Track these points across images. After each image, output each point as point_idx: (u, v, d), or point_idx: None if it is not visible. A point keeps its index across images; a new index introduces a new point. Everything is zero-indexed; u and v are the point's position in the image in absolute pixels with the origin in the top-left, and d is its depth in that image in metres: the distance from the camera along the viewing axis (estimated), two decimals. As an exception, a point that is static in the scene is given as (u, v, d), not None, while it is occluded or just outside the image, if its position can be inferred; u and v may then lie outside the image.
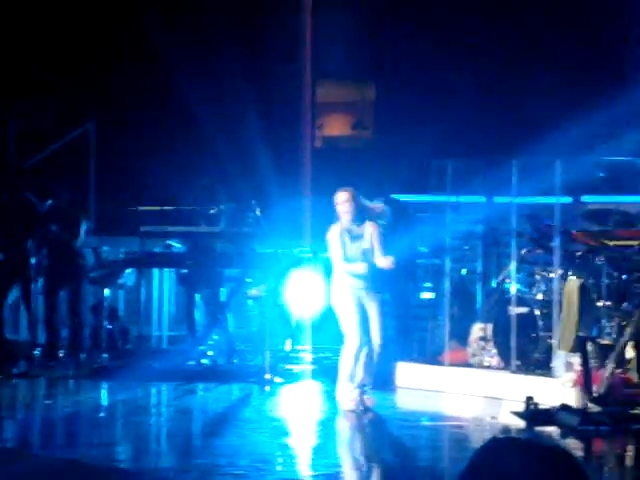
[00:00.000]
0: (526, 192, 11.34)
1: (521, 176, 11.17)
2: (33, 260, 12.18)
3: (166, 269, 12.99)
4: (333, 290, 9.56)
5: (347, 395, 9.33)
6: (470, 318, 11.46)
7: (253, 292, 12.13)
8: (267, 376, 11.25)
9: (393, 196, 12.14)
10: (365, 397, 9.39)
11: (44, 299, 12.16)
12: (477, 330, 11.08)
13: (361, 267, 9.35)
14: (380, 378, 10.67)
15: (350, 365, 9.32)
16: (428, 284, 12.04)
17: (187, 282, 12.41)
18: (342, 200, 9.49)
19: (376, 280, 9.44)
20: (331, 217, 12.53)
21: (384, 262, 9.37)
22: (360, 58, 15.46)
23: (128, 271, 12.71)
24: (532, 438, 2.31)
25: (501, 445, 2.30)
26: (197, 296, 12.39)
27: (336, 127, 16.03)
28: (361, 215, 9.49)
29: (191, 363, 11.90)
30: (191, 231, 12.11)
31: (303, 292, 12.12)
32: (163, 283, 13.16)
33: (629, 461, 7.95)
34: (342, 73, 15.56)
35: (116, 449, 8.23)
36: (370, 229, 9.49)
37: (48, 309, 12.10)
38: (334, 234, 9.46)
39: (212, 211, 12.23)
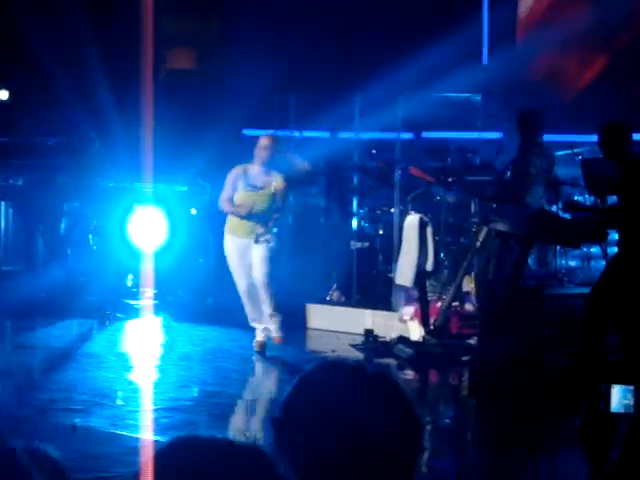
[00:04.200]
0: (369, 128, 11.46)
1: (364, 112, 11.27)
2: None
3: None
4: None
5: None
6: (312, 253, 11.56)
7: (94, 226, 11.94)
8: (107, 311, 11.12)
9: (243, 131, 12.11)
10: (274, 336, 9.28)
11: None
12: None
13: (242, 208, 9.05)
14: (219, 314, 10.74)
15: (247, 308, 9.28)
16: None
17: (25, 215, 12.13)
18: (262, 145, 9.16)
19: (266, 226, 9.03)
20: (172, 152, 12.43)
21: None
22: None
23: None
24: (360, 362, 2.36)
25: (328, 366, 2.33)
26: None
27: (180, 60, 15.80)
28: (276, 166, 9.16)
29: (29, 298, 11.65)
30: (26, 163, 11.80)
31: (145, 227, 11.99)
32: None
33: (461, 390, 8.18)
34: (186, 6, 15.31)
35: None
36: (276, 183, 9.12)
37: None
38: (231, 174, 9.20)
39: (50, 143, 11.96)
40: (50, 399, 7.33)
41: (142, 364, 9.11)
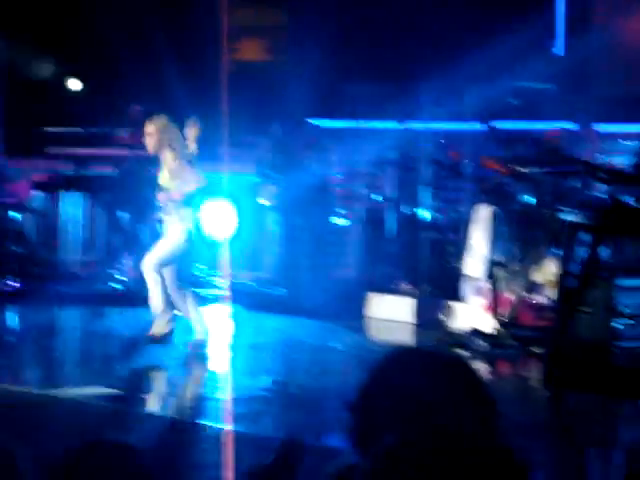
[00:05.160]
0: (438, 118, 11.39)
1: (433, 102, 11.21)
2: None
3: (78, 192, 12.79)
4: None
5: None
6: (382, 244, 11.53)
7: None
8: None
9: (308, 120, 12.10)
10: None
11: None
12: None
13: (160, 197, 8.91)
14: (291, 304, 10.76)
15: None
16: (341, 210, 12.05)
17: (108, 206, 12.27)
18: (146, 131, 8.74)
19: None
20: (245, 142, 12.48)
21: (161, 197, 8.87)
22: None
23: (37, 194, 12.51)
24: (434, 350, 2.36)
25: (404, 354, 2.33)
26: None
27: (250, 52, 15.87)
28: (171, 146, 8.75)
29: (103, 287, 11.79)
30: (100, 155, 11.93)
31: (216, 217, 12.06)
32: (76, 207, 12.95)
33: (533, 382, 8.12)
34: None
35: (27, 372, 8.18)
36: (165, 156, 8.73)
37: None
38: None
39: (122, 134, 12.08)
40: (124, 388, 7.41)
41: (213, 353, 9.17)
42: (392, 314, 10.56)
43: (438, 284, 10.68)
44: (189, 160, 8.73)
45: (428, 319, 10.08)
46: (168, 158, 8.68)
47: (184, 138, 8.76)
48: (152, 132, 8.64)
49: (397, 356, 2.31)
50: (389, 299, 10.77)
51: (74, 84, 13.92)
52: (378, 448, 2.09)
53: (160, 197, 8.81)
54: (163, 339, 8.72)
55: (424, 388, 2.22)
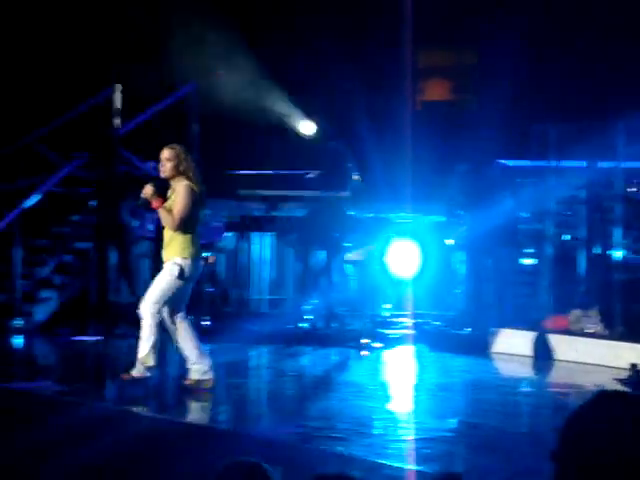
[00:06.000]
0: (630, 157, 11.13)
1: (625, 140, 10.95)
2: (135, 224, 12.36)
3: (266, 233, 13.05)
4: None
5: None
6: (571, 284, 11.30)
7: (353, 256, 12.11)
8: (365, 340, 11.26)
9: (497, 160, 12.02)
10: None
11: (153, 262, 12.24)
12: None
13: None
14: (477, 344, 10.65)
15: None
16: (529, 250, 11.88)
17: (298, 245, 12.46)
18: (163, 157, 8.34)
19: (167, 248, 8.36)
20: (431, 182, 12.47)
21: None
22: (460, 22, 15.27)
23: (228, 235, 12.81)
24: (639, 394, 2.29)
25: (609, 396, 2.26)
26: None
27: (436, 92, 15.89)
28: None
29: (291, 326, 11.96)
30: (292, 195, 12.14)
31: (402, 257, 12.09)
32: (265, 247, 13.22)
33: None
34: (442, 38, 15.38)
35: (217, 410, 8.32)
36: (178, 188, 8.30)
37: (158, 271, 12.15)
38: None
39: (309, 175, 12.26)
40: (312, 426, 7.45)
41: (400, 394, 9.14)
42: (583, 356, 10.32)
43: (631, 326, 10.39)
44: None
45: (620, 362, 9.79)
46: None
47: None
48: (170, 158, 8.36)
49: (600, 399, 2.24)
50: (580, 341, 10.52)
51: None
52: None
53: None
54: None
55: (630, 436, 2.14)
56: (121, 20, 14.47)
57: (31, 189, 12.17)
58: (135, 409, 7.88)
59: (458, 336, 11.42)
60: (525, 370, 10.27)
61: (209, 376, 8.47)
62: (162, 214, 8.24)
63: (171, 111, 13.59)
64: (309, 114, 14.03)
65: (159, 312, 8.29)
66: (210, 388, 8.46)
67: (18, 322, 11.96)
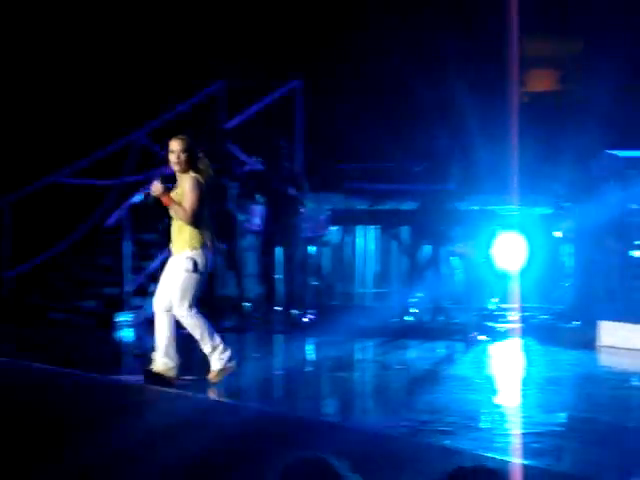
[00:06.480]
0: None
1: None
2: (242, 217, 12.48)
3: (370, 226, 13.04)
4: None
5: None
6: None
7: (459, 249, 12.03)
8: (472, 334, 11.20)
9: (605, 151, 11.82)
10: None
11: (261, 255, 12.32)
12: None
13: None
14: (585, 337, 10.50)
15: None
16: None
17: (403, 239, 12.46)
18: (177, 149, 8.22)
19: (177, 240, 8.31)
20: (534, 175, 12.32)
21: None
22: (565, 11, 15.06)
23: (333, 228, 12.83)
24: None
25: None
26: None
27: (542, 82, 15.70)
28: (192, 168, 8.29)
29: (396, 320, 11.93)
30: (396, 189, 12.11)
31: (508, 250, 11.98)
32: (370, 240, 13.21)
33: None
34: (548, 28, 15.18)
35: (323, 403, 8.36)
36: (184, 182, 8.27)
37: (265, 265, 12.25)
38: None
39: (417, 169, 12.23)
40: (419, 420, 7.42)
41: (508, 387, 9.07)
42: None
43: None
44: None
45: None
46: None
47: None
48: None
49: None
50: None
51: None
52: None
53: None
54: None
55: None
56: (229, 15, 14.61)
57: (140, 184, 12.35)
58: (239, 403, 7.96)
59: (566, 329, 11.28)
60: (636, 364, 10.09)
61: (229, 364, 8.39)
62: (175, 209, 8.22)
63: (278, 106, 13.69)
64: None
65: (191, 307, 8.21)
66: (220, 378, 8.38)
67: (128, 315, 12.17)
